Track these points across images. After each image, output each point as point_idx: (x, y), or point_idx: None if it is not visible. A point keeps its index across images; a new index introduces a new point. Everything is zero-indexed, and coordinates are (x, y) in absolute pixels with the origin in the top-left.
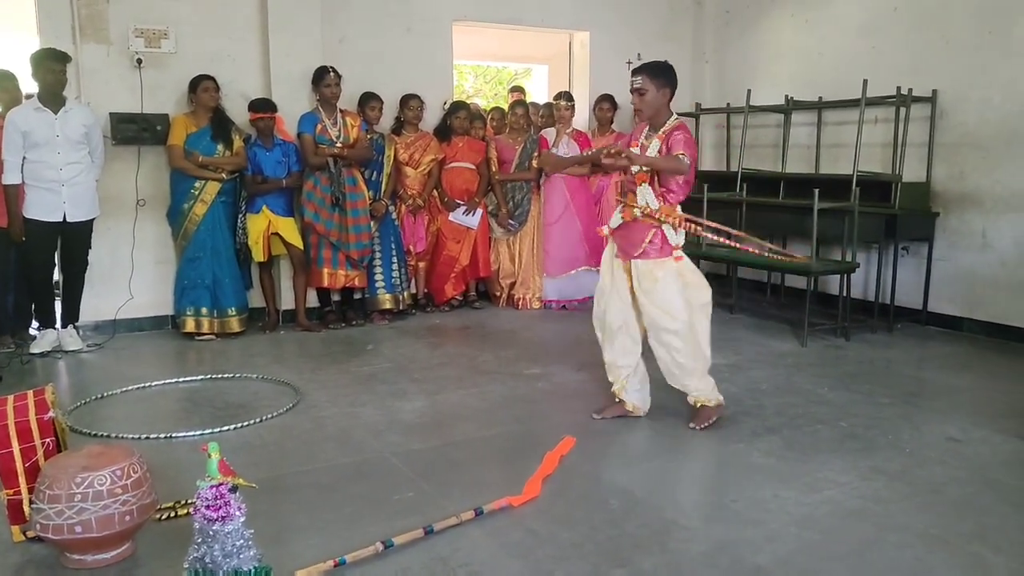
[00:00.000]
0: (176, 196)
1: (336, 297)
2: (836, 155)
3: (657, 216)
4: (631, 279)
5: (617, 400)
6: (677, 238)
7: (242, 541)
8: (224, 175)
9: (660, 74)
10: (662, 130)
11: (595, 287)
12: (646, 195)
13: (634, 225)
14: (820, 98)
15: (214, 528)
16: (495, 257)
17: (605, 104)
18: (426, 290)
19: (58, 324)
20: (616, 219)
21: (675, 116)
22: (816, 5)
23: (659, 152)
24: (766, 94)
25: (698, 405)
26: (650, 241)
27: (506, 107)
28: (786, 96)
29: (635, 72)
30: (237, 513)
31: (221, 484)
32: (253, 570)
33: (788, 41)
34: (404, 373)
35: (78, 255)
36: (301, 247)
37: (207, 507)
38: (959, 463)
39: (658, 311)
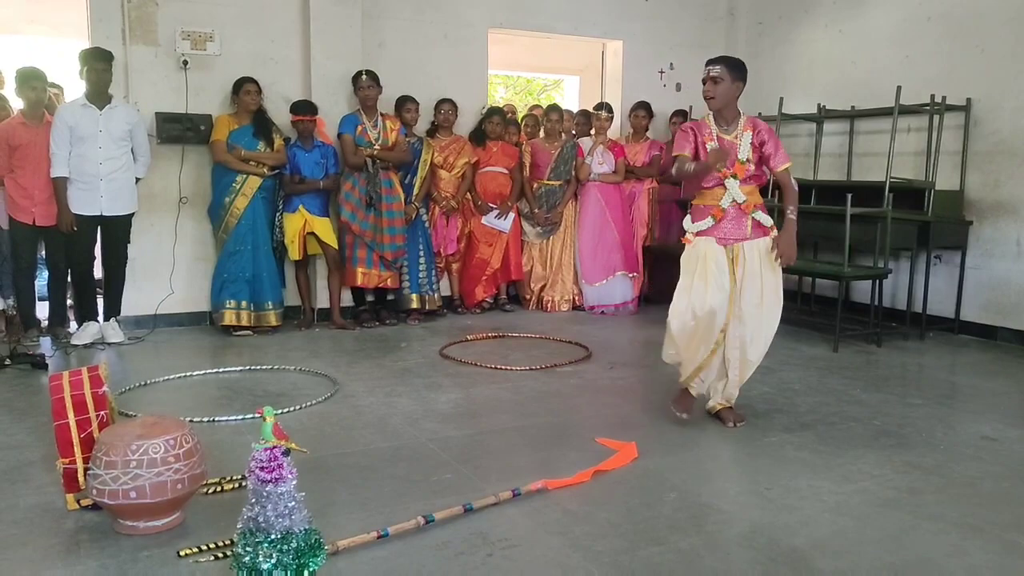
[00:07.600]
0: (218, 190)
1: (370, 297)
2: (868, 164)
3: (748, 205)
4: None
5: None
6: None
7: (293, 503)
8: (265, 170)
9: (736, 67)
10: (740, 123)
11: (628, 293)
12: (733, 188)
13: (733, 213)
14: (852, 107)
15: (267, 489)
16: (527, 260)
17: (641, 111)
18: (460, 292)
19: (100, 317)
20: (707, 222)
21: (742, 113)
22: (850, 15)
23: (752, 145)
24: (798, 103)
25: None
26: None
27: (537, 116)
28: (819, 105)
29: (712, 62)
30: (289, 476)
31: (275, 447)
32: (304, 531)
33: (821, 51)
34: (438, 368)
35: (117, 249)
36: (336, 247)
37: (261, 468)
38: (994, 459)
39: (762, 292)
